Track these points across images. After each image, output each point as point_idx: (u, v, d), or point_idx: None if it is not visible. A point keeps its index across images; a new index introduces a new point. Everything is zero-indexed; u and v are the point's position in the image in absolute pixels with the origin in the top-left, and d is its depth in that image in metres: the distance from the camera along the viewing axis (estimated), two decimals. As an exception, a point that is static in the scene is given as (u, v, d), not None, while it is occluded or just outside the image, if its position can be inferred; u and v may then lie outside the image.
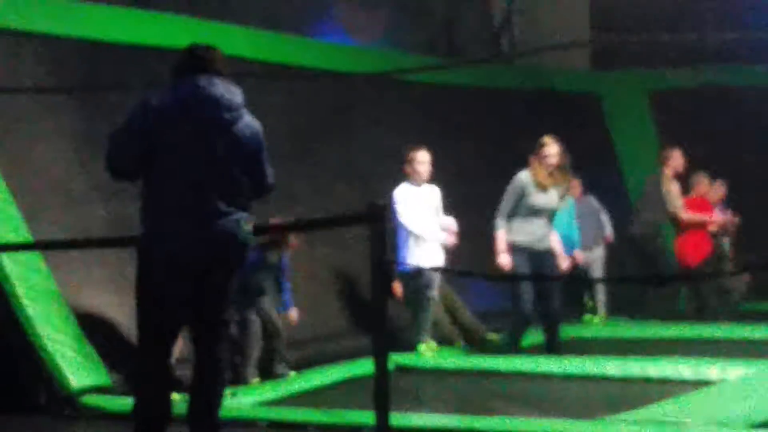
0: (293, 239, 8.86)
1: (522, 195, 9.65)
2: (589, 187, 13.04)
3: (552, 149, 9.65)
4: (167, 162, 5.59)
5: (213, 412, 5.76)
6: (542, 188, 9.67)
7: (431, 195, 10.07)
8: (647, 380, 8.62)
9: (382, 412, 5.97)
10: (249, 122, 5.79)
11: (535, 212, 9.68)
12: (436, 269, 9.78)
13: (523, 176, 9.67)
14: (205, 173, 5.60)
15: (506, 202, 9.71)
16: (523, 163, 11.46)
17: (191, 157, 5.59)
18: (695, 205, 12.48)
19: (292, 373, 8.83)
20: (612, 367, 8.94)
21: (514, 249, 9.67)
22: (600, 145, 15.06)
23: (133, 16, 10.26)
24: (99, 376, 7.77)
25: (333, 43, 12.71)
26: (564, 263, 10.67)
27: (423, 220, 9.91)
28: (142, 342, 5.72)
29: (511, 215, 9.71)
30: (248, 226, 5.73)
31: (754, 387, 7.53)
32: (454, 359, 9.58)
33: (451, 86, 13.28)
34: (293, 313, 8.99)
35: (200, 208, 5.58)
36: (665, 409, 6.79)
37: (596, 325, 12.12)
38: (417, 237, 9.84)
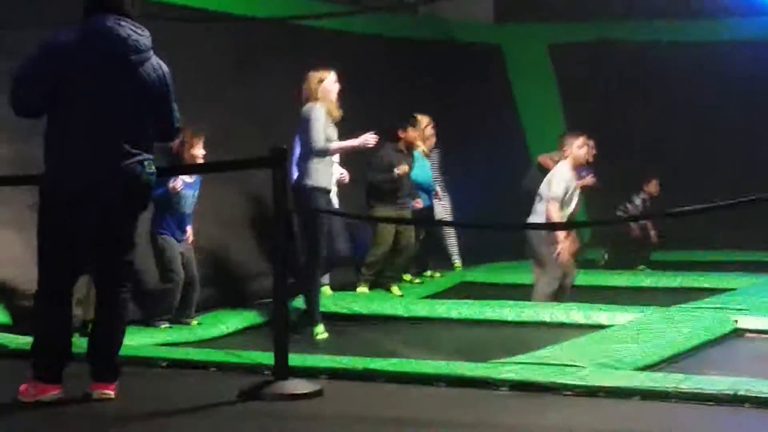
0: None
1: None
2: (490, 136, 13.23)
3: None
4: (71, 101, 5.55)
5: (113, 351, 5.77)
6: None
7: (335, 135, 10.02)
8: (541, 324, 8.88)
9: (281, 353, 6.09)
10: (156, 64, 5.75)
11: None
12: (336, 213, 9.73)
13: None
14: (109, 113, 5.56)
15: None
16: (424, 112, 11.68)
17: (95, 96, 5.55)
18: None
19: (195, 321, 8.91)
20: (507, 311, 9.18)
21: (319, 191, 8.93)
22: (501, 96, 15.26)
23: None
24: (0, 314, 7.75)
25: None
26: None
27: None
28: (43, 279, 5.68)
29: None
30: (152, 168, 5.71)
31: (641, 332, 7.81)
32: (353, 304, 9.71)
33: (354, 35, 13.32)
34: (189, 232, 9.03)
35: (103, 147, 5.55)
36: (557, 351, 7.02)
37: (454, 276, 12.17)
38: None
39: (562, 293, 9.91)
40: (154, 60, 5.73)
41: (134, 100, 5.63)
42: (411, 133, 10.88)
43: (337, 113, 8.91)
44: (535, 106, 15.44)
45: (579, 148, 10.05)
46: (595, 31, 15.49)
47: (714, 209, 6.22)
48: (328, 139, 8.80)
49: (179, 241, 8.82)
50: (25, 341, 7.36)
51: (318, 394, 5.98)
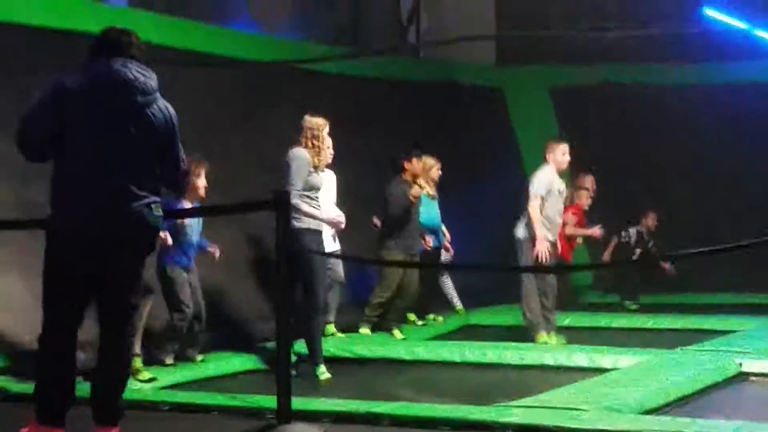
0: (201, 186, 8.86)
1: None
2: (492, 178, 13.25)
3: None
4: (78, 143, 5.52)
5: (117, 394, 5.72)
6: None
7: (331, 180, 10.14)
8: (544, 368, 8.85)
9: (284, 397, 6.07)
10: (163, 106, 5.72)
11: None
12: (327, 254, 9.79)
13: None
14: (116, 156, 5.53)
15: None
16: (426, 154, 11.70)
17: (102, 139, 5.52)
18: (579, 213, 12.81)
19: (200, 357, 8.88)
20: (510, 355, 9.15)
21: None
22: (503, 138, 15.30)
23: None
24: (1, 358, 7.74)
25: (241, 31, 12.74)
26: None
27: (325, 204, 9.97)
28: (48, 322, 5.64)
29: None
30: (158, 211, 5.67)
31: (645, 375, 7.78)
32: (356, 347, 9.69)
33: (357, 78, 13.37)
34: (215, 250, 9.00)
35: (110, 190, 5.51)
36: (560, 395, 6.99)
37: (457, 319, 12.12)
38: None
39: (546, 297, 10.20)
40: (161, 102, 5.72)
41: (141, 142, 5.60)
42: (416, 164, 10.85)
43: (321, 162, 8.93)
44: (538, 148, 15.41)
45: (562, 155, 10.39)
46: (596, 74, 15.57)
47: (716, 252, 6.21)
48: (312, 186, 8.82)
49: (186, 269, 8.76)
50: (25, 385, 7.37)
51: (318, 437, 5.96)
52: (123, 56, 5.63)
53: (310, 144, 8.92)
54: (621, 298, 13.41)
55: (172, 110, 5.78)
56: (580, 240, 12.84)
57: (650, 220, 13.43)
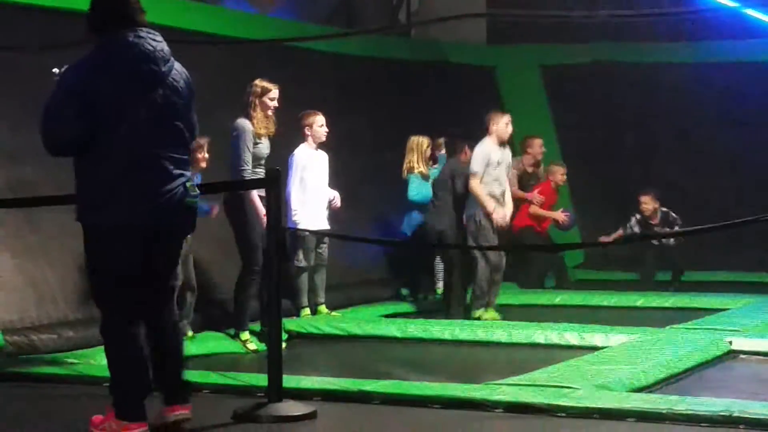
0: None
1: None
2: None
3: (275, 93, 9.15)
4: (112, 132, 5.22)
5: (181, 370, 5.64)
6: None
7: (324, 160, 10.17)
8: (534, 346, 8.88)
9: (275, 375, 6.08)
10: (180, 70, 5.49)
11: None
12: (319, 232, 9.84)
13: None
14: (152, 137, 5.29)
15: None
16: (417, 133, 11.72)
17: (137, 121, 5.24)
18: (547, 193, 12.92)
19: (190, 332, 8.88)
20: (500, 333, 9.18)
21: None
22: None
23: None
24: (-8, 337, 7.74)
25: (233, 10, 12.72)
26: None
27: (315, 183, 10.01)
28: (111, 316, 5.42)
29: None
30: (194, 190, 5.48)
31: (635, 353, 7.81)
32: (346, 325, 9.70)
33: (348, 56, 13.36)
34: (214, 208, 8.99)
35: (154, 172, 5.30)
36: (551, 373, 7.02)
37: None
38: (304, 201, 9.92)
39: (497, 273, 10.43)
40: (177, 65, 5.49)
41: (171, 114, 5.38)
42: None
43: (268, 130, 8.99)
44: (528, 127, 15.44)
45: (505, 125, 10.51)
46: (587, 53, 15.56)
47: (707, 230, 6.23)
48: (257, 157, 8.92)
49: None
50: (17, 365, 7.38)
51: (312, 416, 5.98)
52: (133, 24, 5.30)
53: (254, 111, 8.94)
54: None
55: (185, 71, 5.55)
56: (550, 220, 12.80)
57: (646, 204, 13.26)
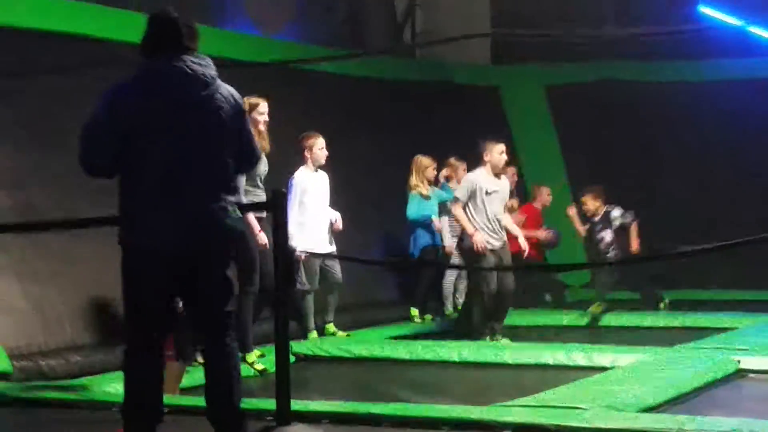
0: None
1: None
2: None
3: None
4: (146, 154, 5.19)
5: (236, 403, 5.45)
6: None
7: (324, 182, 10.16)
8: (542, 366, 8.86)
9: (284, 398, 6.06)
10: (226, 93, 5.38)
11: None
12: (320, 255, 9.85)
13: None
14: (188, 162, 5.22)
15: None
16: (422, 153, 11.74)
17: (171, 145, 5.19)
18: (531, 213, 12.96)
19: (201, 359, 8.84)
20: (508, 354, 9.16)
21: None
22: (498, 137, 15.24)
23: (33, 2, 10.15)
24: (0, 362, 7.72)
25: (239, 33, 12.75)
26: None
27: (316, 205, 10.01)
28: (134, 339, 5.34)
29: None
30: (236, 212, 5.38)
31: (644, 373, 7.78)
32: (354, 347, 9.69)
33: (353, 78, 13.39)
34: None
35: (186, 201, 5.22)
36: (559, 394, 6.99)
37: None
38: (304, 223, 9.93)
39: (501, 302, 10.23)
40: (224, 89, 5.39)
41: (212, 139, 5.30)
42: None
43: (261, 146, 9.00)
44: (533, 146, 15.49)
45: (499, 154, 10.34)
46: (592, 72, 15.59)
47: (716, 249, 6.22)
48: (251, 175, 8.81)
49: None
50: (24, 389, 7.38)
51: (320, 439, 5.96)
52: (176, 50, 5.30)
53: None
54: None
55: (236, 94, 5.45)
56: (535, 239, 12.69)
57: (586, 204, 12.52)
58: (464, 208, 10.23)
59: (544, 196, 12.94)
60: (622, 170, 15.24)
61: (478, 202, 10.19)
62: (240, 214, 5.46)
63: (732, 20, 13.69)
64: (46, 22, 9.95)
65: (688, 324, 11.11)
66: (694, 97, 14.90)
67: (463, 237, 10.44)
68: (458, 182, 11.87)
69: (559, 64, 15.61)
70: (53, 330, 8.45)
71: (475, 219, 10.19)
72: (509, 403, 6.72)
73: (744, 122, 14.50)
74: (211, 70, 5.35)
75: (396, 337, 10.59)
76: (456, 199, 10.34)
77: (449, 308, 12.10)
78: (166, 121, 5.21)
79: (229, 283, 5.46)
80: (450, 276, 12.27)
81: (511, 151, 15.16)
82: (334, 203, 10.24)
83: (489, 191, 10.24)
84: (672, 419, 6.08)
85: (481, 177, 10.29)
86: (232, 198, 5.38)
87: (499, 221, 10.32)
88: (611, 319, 11.68)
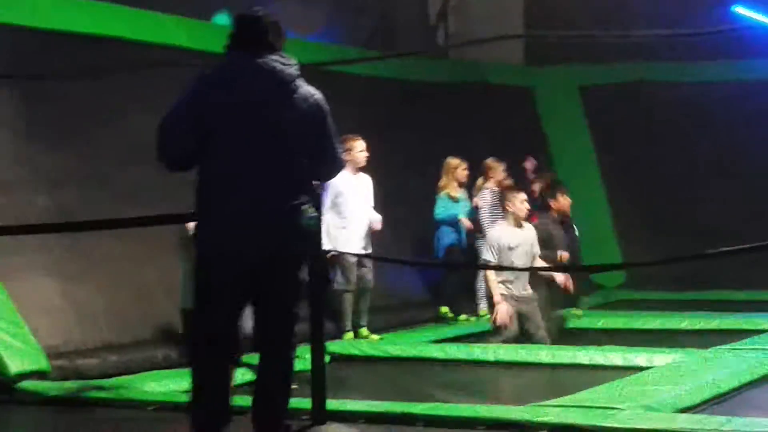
0: None
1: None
2: (521, 178, 13.23)
3: None
4: (222, 151, 5.17)
5: (283, 412, 5.42)
6: None
7: (364, 183, 10.20)
8: (578, 367, 8.83)
9: (319, 398, 6.08)
10: (308, 94, 5.33)
11: None
12: (359, 255, 9.87)
13: None
14: (264, 160, 5.17)
15: None
16: (455, 155, 11.73)
17: (248, 143, 5.16)
18: None
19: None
20: (544, 354, 9.13)
21: None
22: (532, 138, 15.28)
23: (69, 5, 10.22)
24: (38, 361, 7.78)
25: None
26: None
27: (352, 207, 10.05)
28: (202, 338, 5.29)
29: None
30: (311, 211, 5.30)
31: (680, 373, 7.74)
32: (390, 347, 9.69)
33: (386, 79, 13.40)
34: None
35: (261, 200, 5.16)
36: (595, 394, 6.96)
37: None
38: (339, 225, 9.98)
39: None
40: (304, 89, 5.34)
41: (290, 136, 5.23)
42: (563, 201, 10.39)
43: None
44: (567, 147, 15.45)
45: (521, 203, 9.86)
46: (626, 73, 15.53)
47: (755, 249, 6.18)
48: None
49: None
50: (61, 388, 7.43)
51: (356, 438, 5.96)
52: (258, 46, 5.26)
53: None
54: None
55: (319, 95, 5.40)
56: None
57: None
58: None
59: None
60: (657, 171, 15.17)
61: (503, 258, 9.82)
62: (315, 214, 5.38)
63: (766, 20, 13.62)
64: (80, 24, 10.03)
65: (725, 326, 11.03)
66: (728, 97, 14.82)
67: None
68: (497, 184, 11.87)
69: (593, 64, 15.57)
70: (90, 329, 8.52)
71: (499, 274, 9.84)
72: (545, 403, 6.70)
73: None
74: (292, 69, 5.30)
75: (431, 341, 10.52)
76: (486, 262, 9.98)
77: (483, 309, 12.05)
78: (244, 117, 5.17)
79: (300, 284, 5.38)
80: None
81: (546, 152, 15.31)
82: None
83: (511, 246, 9.86)
84: (709, 420, 6.04)
85: (504, 232, 9.93)
86: (307, 198, 5.30)
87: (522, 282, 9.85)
88: (647, 321, 11.61)
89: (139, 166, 9.45)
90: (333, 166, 5.54)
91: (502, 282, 9.75)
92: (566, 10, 15.82)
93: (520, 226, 9.94)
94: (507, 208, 10.01)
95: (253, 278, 5.24)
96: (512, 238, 9.86)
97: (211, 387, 5.28)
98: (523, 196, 10.02)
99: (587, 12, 15.67)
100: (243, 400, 6.24)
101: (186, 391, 5.70)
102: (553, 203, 10.29)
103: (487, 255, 9.94)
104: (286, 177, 5.23)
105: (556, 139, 15.51)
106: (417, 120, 13.63)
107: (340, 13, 14.53)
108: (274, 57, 5.27)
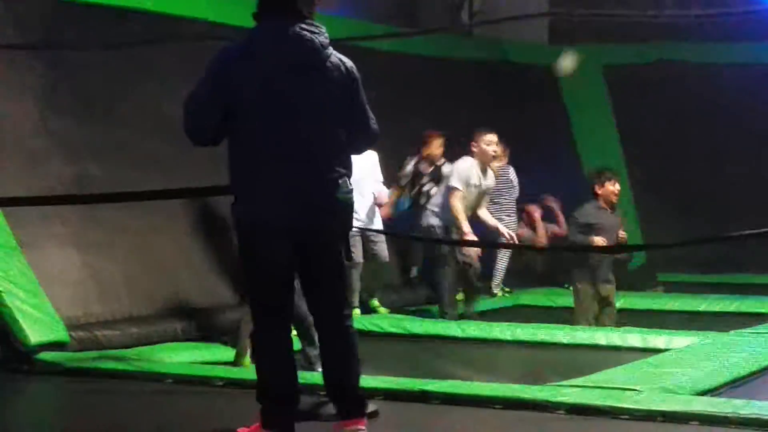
0: None
1: None
2: (544, 157, 13.22)
3: None
4: (254, 123, 5.05)
5: (356, 382, 5.34)
6: None
7: (369, 159, 10.08)
8: (596, 347, 8.82)
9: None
10: (338, 61, 5.20)
11: None
12: (364, 230, 9.87)
13: None
14: (298, 132, 5.04)
15: None
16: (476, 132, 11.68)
17: (280, 114, 5.03)
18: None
19: None
20: (561, 334, 9.13)
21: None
22: (555, 117, 15.23)
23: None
24: (57, 332, 7.81)
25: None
26: None
27: (359, 181, 10.02)
28: (261, 320, 5.21)
29: None
30: (348, 185, 5.20)
31: (699, 356, 7.72)
32: (408, 324, 9.70)
33: (410, 56, 13.35)
34: None
35: (297, 173, 5.04)
36: (613, 375, 6.96)
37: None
38: None
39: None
40: (335, 57, 5.20)
41: (322, 108, 5.10)
42: (609, 188, 10.12)
43: None
44: (590, 127, 15.38)
45: (486, 145, 10.12)
46: (650, 53, 15.44)
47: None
48: None
49: None
50: (80, 358, 7.47)
51: (374, 415, 5.94)
52: (287, 13, 5.10)
53: None
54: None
55: (349, 63, 5.27)
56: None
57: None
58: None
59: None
60: (679, 152, 15.09)
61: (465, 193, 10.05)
62: (351, 187, 5.27)
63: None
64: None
65: (744, 309, 11.00)
66: (752, 79, 14.70)
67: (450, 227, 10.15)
68: (506, 161, 11.89)
69: (617, 44, 15.48)
70: (110, 301, 8.54)
71: None
72: (563, 383, 6.70)
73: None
74: (323, 37, 5.16)
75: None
76: (454, 188, 10.03)
77: (495, 290, 12.09)
78: (276, 87, 5.03)
79: (340, 258, 5.27)
80: (504, 259, 12.23)
81: (568, 132, 15.26)
82: (387, 180, 10.25)
83: (476, 184, 10.10)
84: (727, 403, 6.03)
85: (473, 170, 10.12)
86: (344, 170, 5.20)
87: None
88: (667, 302, 11.59)
89: (160, 138, 9.46)
90: (366, 136, 5.39)
91: None
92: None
93: (485, 170, 10.17)
94: (473, 148, 10.13)
95: (300, 251, 5.15)
96: (476, 178, 10.10)
97: (275, 362, 5.21)
98: (491, 137, 10.15)
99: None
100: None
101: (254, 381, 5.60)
102: (598, 189, 10.20)
103: (456, 183, 10.02)
104: (324, 149, 5.12)
105: (578, 119, 15.44)
106: (439, 97, 13.59)
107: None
108: (304, 25, 5.11)
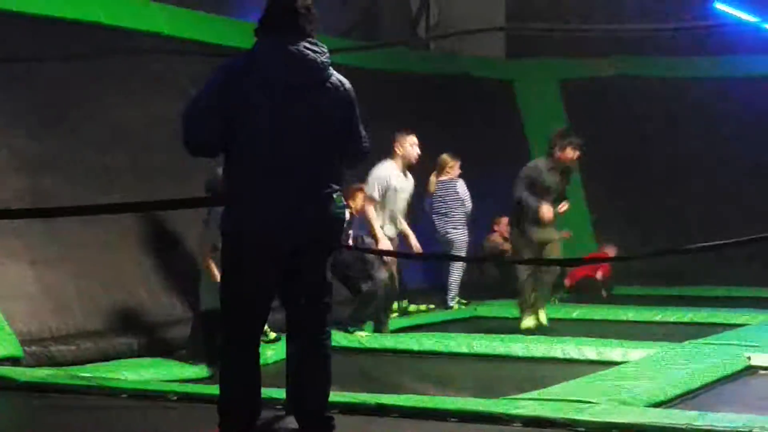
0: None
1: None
2: (500, 170, 13.26)
3: None
4: (251, 138, 5.07)
5: (324, 402, 5.37)
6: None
7: (411, 183, 10.20)
8: (552, 360, 8.85)
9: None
10: (337, 81, 5.27)
11: None
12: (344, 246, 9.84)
13: None
14: (294, 148, 5.08)
15: None
16: (439, 147, 11.73)
17: (277, 130, 5.06)
18: None
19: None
20: (518, 347, 9.15)
21: None
22: (512, 131, 15.29)
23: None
24: (11, 347, 7.74)
25: (251, 23, 12.72)
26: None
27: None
28: (231, 331, 5.22)
29: None
30: (341, 201, 5.26)
31: (654, 368, 7.77)
32: (361, 338, 9.69)
33: (368, 70, 13.36)
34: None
35: (291, 188, 5.08)
36: (569, 388, 6.98)
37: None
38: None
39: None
40: (335, 78, 5.28)
41: (321, 125, 5.16)
42: (569, 154, 10.19)
43: None
44: (546, 141, 15.45)
45: (411, 146, 10.01)
46: (608, 67, 15.58)
47: (729, 245, 6.20)
48: None
49: None
50: (34, 374, 7.40)
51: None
52: (290, 32, 5.17)
53: None
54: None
55: (348, 84, 5.35)
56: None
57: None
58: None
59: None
60: (635, 165, 15.22)
61: (388, 198, 9.93)
62: (345, 203, 5.35)
63: (747, 17, 13.65)
64: (59, 9, 9.96)
65: (698, 320, 11.09)
66: (708, 93, 14.88)
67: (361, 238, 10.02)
68: (457, 174, 11.99)
69: (573, 58, 15.58)
70: (64, 316, 8.48)
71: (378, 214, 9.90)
72: (519, 396, 6.72)
73: (762, 118, 14.45)
74: (324, 58, 5.21)
75: (395, 330, 10.48)
76: (371, 198, 9.88)
77: (451, 303, 12.11)
78: (275, 104, 5.07)
79: (326, 276, 5.31)
80: (457, 271, 12.24)
81: (525, 145, 15.32)
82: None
83: (398, 188, 9.98)
84: (682, 415, 6.06)
85: (393, 173, 9.97)
86: (337, 186, 5.25)
87: (396, 221, 10.08)
88: (622, 314, 11.66)
89: (118, 153, 9.41)
90: (360, 154, 5.46)
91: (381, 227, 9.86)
92: (548, 4, 15.84)
93: (405, 173, 10.04)
94: (396, 150, 9.99)
95: (286, 263, 5.17)
96: (399, 181, 9.97)
97: (241, 376, 5.22)
98: (413, 139, 10.00)
99: (569, 6, 15.69)
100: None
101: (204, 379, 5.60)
102: (558, 151, 10.16)
103: (374, 192, 9.86)
104: (320, 165, 5.17)
105: (535, 133, 15.52)
106: (397, 111, 13.61)
107: (322, 3, 14.48)
108: (306, 44, 5.17)
